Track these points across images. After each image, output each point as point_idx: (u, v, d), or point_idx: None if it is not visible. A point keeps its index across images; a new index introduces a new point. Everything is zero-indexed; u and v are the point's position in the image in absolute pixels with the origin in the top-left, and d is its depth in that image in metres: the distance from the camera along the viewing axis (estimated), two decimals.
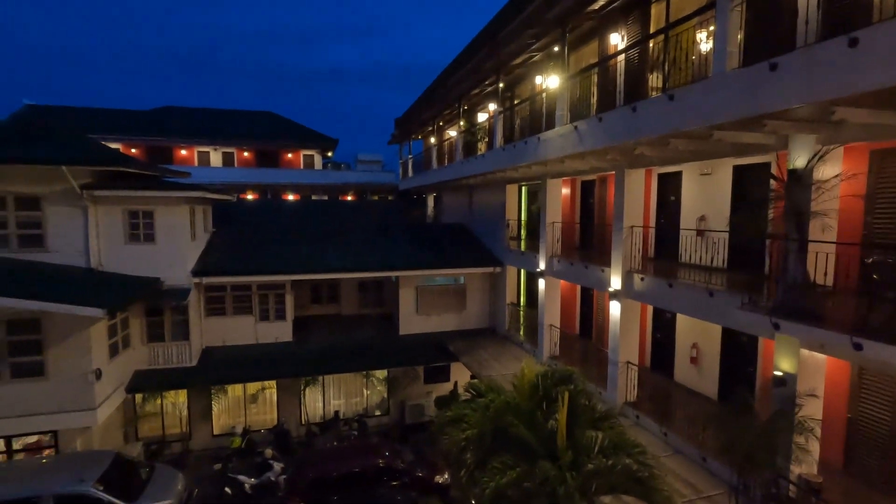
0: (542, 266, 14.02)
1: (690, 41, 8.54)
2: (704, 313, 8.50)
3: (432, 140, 25.05)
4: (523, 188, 17.36)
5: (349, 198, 36.86)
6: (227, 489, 12.35)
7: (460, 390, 15.46)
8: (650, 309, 11.82)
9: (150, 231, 13.76)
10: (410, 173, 28.78)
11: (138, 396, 14.41)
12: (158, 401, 14.96)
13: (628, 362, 10.78)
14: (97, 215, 13.11)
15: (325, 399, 16.76)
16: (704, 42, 8.62)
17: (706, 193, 10.36)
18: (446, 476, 12.09)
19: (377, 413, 17.23)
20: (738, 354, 9.65)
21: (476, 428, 7.70)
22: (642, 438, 8.12)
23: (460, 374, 16.55)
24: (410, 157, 29.35)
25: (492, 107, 18.16)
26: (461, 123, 19.59)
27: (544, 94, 13.48)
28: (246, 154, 35.26)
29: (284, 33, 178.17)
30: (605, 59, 11.37)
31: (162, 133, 32.96)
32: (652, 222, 11.77)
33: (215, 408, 15.59)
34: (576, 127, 10.36)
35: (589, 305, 14.76)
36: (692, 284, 8.68)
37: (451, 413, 8.76)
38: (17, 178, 12.28)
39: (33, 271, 12.07)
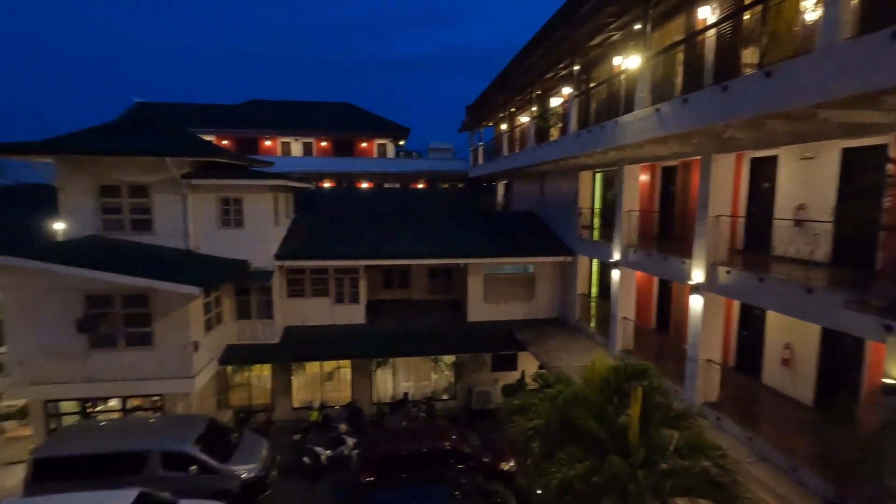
0: (616, 256, 13.47)
1: (793, 11, 7.71)
2: (801, 311, 7.76)
3: (503, 127, 24.73)
4: (598, 175, 16.70)
5: (420, 185, 37.47)
6: (305, 459, 13.24)
7: (528, 379, 15.37)
8: (736, 304, 10.99)
9: (240, 217, 14.87)
10: (481, 161, 28.67)
11: (229, 368, 15.75)
12: (246, 373, 16.29)
13: (709, 360, 10.14)
14: (194, 202, 14.37)
15: (395, 380, 17.37)
16: (811, 11, 7.74)
17: (807, 179, 9.38)
18: (512, 464, 12.12)
19: (444, 397, 17.58)
20: (840, 358, 8.73)
21: (543, 418, 7.65)
22: (723, 441, 7.63)
23: (528, 364, 16.43)
24: (481, 144, 29.21)
25: (566, 91, 17.56)
26: (533, 109, 19.15)
27: (623, 76, 12.81)
28: (324, 144, 36.89)
29: (361, 24, 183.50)
30: (694, 34, 10.57)
31: (249, 125, 35.30)
32: (741, 211, 10.88)
33: (295, 383, 16.69)
34: (657, 109, 9.76)
35: (667, 298, 14.00)
36: (787, 279, 7.95)
37: (518, 402, 8.76)
38: (129, 168, 13.77)
39: (143, 252, 13.52)
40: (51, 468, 10.90)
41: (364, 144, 37.74)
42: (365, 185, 35.27)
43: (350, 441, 13.68)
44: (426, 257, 17.13)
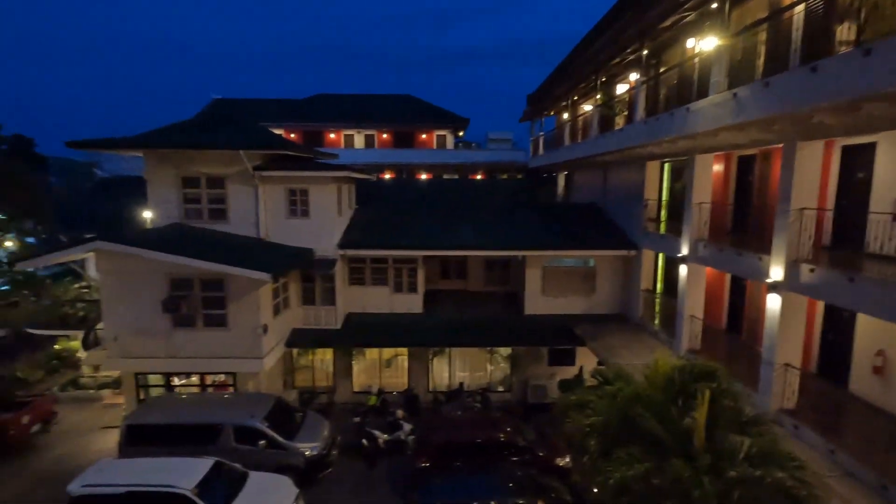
0: (684, 251, 12.78)
1: None
2: None
3: (565, 116, 24.06)
4: (666, 165, 15.87)
5: (479, 176, 37.36)
6: (363, 441, 13.73)
7: (586, 375, 15.02)
8: (820, 305, 10.11)
9: (306, 207, 15.53)
10: (541, 151, 28.11)
11: (294, 351, 16.60)
12: (310, 356, 17.10)
13: (787, 364, 9.41)
14: (265, 193, 15.18)
15: (451, 370, 17.56)
16: None
17: None
18: (567, 460, 11.94)
19: (500, 389, 17.57)
20: None
21: (602, 415, 7.46)
22: (801, 452, 7.09)
23: (586, 359, 16.05)
24: (542, 134, 28.62)
25: (633, 77, 16.78)
26: (598, 97, 18.48)
27: (696, 60, 12.03)
28: (385, 136, 37.62)
29: (421, 16, 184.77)
30: (779, 10, 9.71)
31: (315, 119, 36.64)
32: (829, 204, 9.95)
33: (355, 367, 17.31)
34: (735, 94, 9.10)
35: (740, 297, 13.12)
36: (883, 279, 7.20)
37: (575, 397, 8.60)
38: (207, 161, 14.76)
39: (219, 240, 14.48)
40: (140, 434, 12.04)
41: (424, 136, 38.09)
42: (424, 177, 35.67)
43: (407, 427, 14.03)
44: (484, 249, 17.11)
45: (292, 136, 35.76)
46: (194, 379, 14.87)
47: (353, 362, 17.21)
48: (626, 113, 16.84)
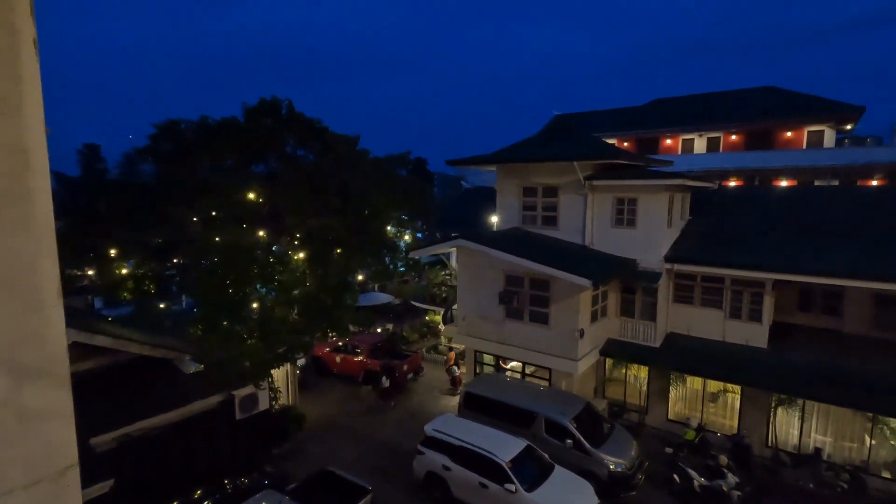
0: None
1: None
2: None
3: None
4: None
5: (874, 182, 27.88)
6: (675, 476, 12.41)
7: None
8: None
9: (633, 217, 15.14)
10: None
11: (608, 361, 16.44)
12: (623, 370, 16.60)
13: None
14: (593, 201, 15.60)
15: (802, 428, 13.83)
16: None
17: None
18: None
19: (885, 474, 12.71)
20: None
21: None
22: None
23: None
24: None
25: None
26: None
27: None
28: (733, 137, 32.66)
29: None
30: None
31: (649, 126, 35.11)
32: None
33: (672, 393, 15.79)
34: None
35: None
36: None
37: None
38: (544, 172, 16.26)
39: (549, 244, 15.76)
40: (473, 400, 14.38)
41: (788, 134, 31.13)
42: (784, 184, 29.14)
43: (731, 479, 11.88)
44: (874, 279, 12.64)
45: (625, 144, 35.37)
46: (516, 365, 16.71)
47: (671, 387, 15.73)
48: None
